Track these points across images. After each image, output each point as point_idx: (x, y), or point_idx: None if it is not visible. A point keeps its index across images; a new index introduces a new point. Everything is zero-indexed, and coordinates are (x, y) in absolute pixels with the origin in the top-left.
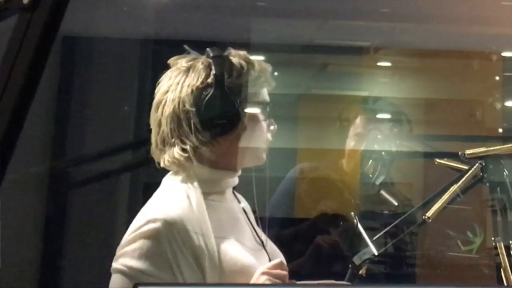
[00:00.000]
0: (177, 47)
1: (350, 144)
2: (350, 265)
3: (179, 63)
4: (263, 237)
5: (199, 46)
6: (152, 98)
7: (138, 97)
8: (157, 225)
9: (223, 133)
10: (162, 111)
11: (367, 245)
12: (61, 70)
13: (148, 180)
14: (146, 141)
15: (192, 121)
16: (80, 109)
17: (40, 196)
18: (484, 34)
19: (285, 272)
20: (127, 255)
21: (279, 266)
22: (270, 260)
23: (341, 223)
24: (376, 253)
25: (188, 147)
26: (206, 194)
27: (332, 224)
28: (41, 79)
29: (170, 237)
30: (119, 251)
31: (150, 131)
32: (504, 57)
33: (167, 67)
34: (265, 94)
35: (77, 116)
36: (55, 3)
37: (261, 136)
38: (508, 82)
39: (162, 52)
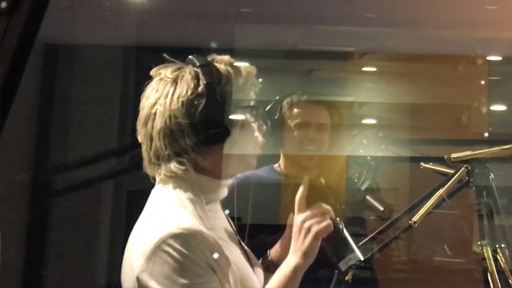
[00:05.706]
0: (160, 54)
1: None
2: (336, 271)
3: (162, 73)
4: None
5: (183, 53)
6: (135, 104)
7: (121, 104)
8: (184, 238)
9: (218, 141)
10: (153, 125)
11: (353, 251)
12: (44, 77)
13: (132, 188)
14: (129, 148)
15: (186, 133)
16: (63, 117)
17: (23, 204)
18: (469, 38)
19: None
20: (162, 274)
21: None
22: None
23: None
24: (362, 259)
25: (184, 159)
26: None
27: None
28: (20, 83)
29: (202, 248)
30: (146, 271)
31: (135, 141)
32: (489, 61)
33: (150, 77)
34: (253, 97)
35: (60, 123)
36: (34, 8)
37: (254, 140)
38: (493, 86)
39: (144, 59)
